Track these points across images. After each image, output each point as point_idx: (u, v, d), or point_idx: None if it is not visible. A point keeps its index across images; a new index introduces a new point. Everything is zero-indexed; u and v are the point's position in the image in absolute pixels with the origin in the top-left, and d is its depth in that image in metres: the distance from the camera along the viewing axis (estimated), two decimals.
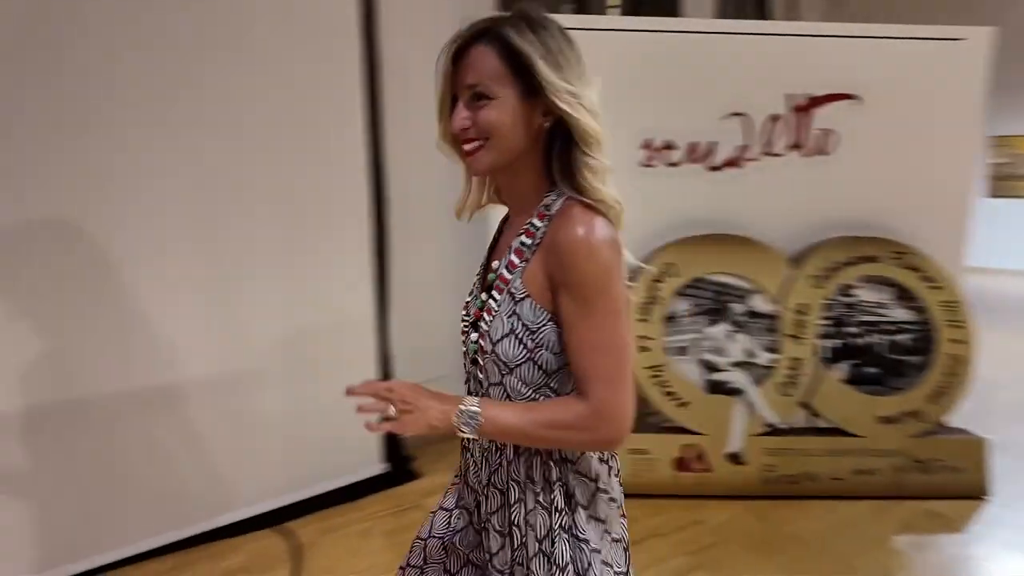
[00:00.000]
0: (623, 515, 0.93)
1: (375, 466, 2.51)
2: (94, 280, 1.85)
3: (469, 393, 0.93)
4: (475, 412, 0.82)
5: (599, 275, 0.78)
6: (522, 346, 0.84)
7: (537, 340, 0.83)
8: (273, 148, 2.12)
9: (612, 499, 0.90)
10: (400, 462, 2.59)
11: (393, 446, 2.57)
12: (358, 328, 2.43)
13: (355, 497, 2.40)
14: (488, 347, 0.86)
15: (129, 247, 1.88)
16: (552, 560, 0.85)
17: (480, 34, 0.81)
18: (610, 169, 0.83)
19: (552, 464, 0.86)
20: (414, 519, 2.29)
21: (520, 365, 0.85)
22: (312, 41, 2.16)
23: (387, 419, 0.85)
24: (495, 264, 0.89)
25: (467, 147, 0.83)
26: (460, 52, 0.82)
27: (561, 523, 0.85)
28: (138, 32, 1.84)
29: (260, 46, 2.07)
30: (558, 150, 0.84)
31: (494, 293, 0.87)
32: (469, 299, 0.94)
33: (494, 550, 0.91)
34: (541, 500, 0.86)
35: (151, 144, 1.89)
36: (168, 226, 1.95)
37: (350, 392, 0.85)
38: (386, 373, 2.52)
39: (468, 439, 0.90)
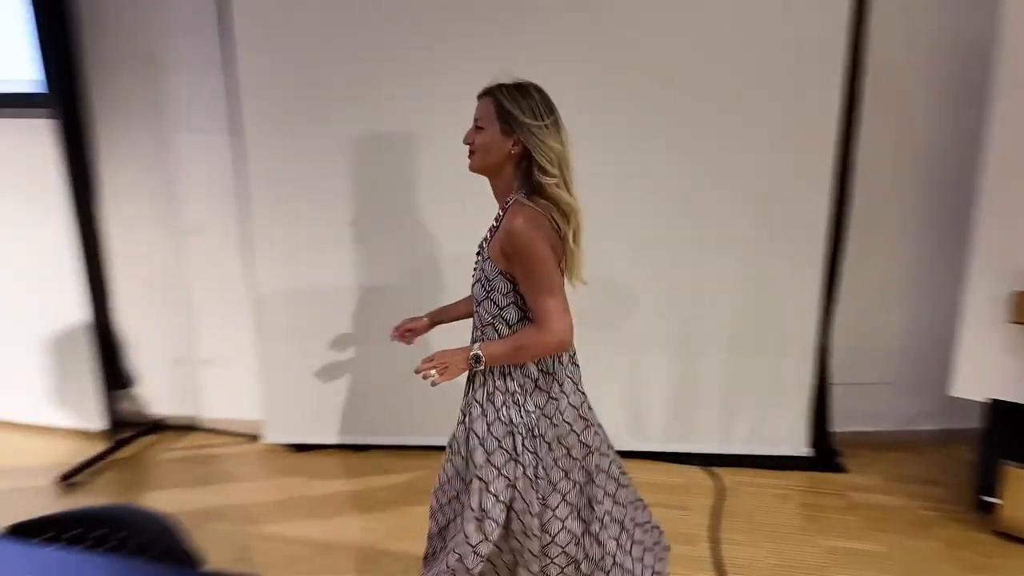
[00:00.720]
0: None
1: (800, 448, 2.70)
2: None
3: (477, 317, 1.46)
4: (478, 354, 1.36)
5: (526, 245, 1.29)
6: (483, 290, 1.40)
7: (492, 286, 1.38)
8: (749, 146, 2.53)
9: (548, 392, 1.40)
10: (826, 452, 2.70)
11: (821, 434, 2.70)
12: (801, 318, 2.63)
13: (778, 468, 2.65)
14: (471, 290, 1.45)
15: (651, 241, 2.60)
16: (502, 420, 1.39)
17: (487, 92, 1.38)
18: (558, 182, 1.33)
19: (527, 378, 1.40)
20: (832, 503, 2.42)
21: (482, 301, 1.40)
22: (798, 46, 2.41)
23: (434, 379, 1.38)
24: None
25: (470, 155, 1.40)
26: (479, 98, 1.39)
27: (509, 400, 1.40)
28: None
29: (751, 56, 2.45)
30: (523, 168, 1.36)
31: (479, 257, 1.45)
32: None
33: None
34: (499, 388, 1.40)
35: (646, 145, 2.55)
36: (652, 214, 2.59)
37: (417, 372, 1.39)
38: (822, 366, 2.66)
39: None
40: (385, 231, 2.73)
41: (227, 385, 3.10)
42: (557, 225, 1.34)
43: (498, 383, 1.40)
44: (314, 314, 2.81)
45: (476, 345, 1.39)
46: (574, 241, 1.37)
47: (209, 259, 2.96)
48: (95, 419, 2.97)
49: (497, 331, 1.40)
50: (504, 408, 1.39)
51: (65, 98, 2.56)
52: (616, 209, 2.49)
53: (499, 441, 1.38)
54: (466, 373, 1.44)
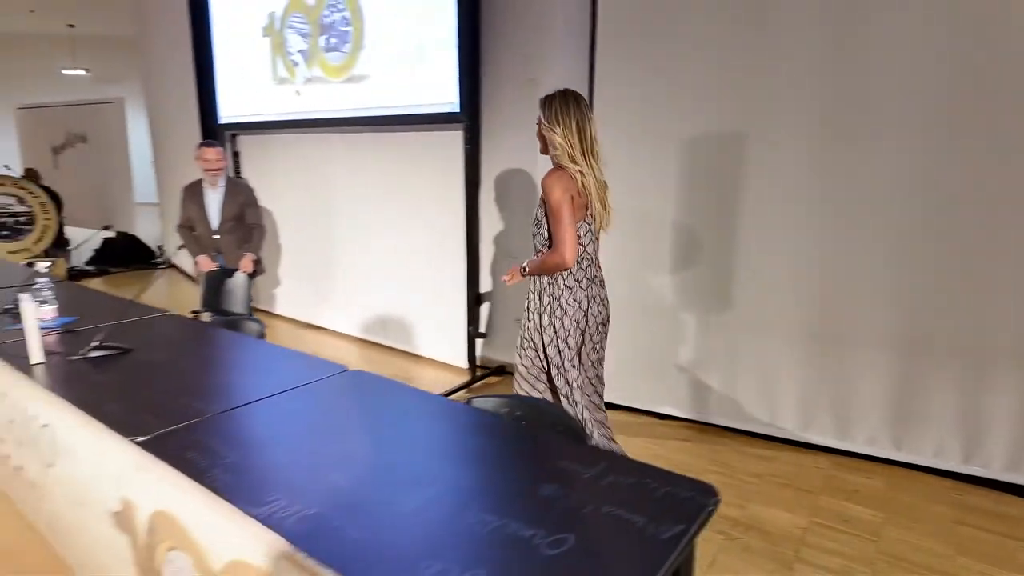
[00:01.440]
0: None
1: None
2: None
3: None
4: (523, 265, 2.18)
5: (547, 191, 2.05)
6: (535, 227, 2.17)
7: (539, 225, 2.15)
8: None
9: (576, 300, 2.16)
10: None
11: None
12: None
13: None
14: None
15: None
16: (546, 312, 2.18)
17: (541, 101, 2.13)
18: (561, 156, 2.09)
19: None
20: None
21: (535, 236, 2.18)
22: None
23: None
24: None
25: None
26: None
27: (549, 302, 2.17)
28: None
29: None
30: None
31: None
32: None
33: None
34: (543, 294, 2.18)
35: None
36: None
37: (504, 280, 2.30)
38: None
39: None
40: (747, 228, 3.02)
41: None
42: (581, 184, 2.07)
43: (543, 289, 2.19)
44: (629, 296, 3.26)
45: (525, 261, 2.20)
46: (588, 195, 2.08)
47: None
48: (463, 358, 3.92)
49: (538, 254, 2.19)
50: (543, 310, 2.20)
51: (471, 116, 3.42)
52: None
53: (545, 330, 2.19)
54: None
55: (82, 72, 16.13)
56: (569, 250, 2.02)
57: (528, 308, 2.26)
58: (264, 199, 5.13)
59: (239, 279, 3.43)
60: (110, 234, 8.00)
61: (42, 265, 2.49)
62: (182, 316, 2.68)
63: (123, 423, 1.56)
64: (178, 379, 2.00)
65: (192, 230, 3.76)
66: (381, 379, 1.95)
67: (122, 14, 13.83)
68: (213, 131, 5.71)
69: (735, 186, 2.91)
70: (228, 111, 5.02)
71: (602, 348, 2.28)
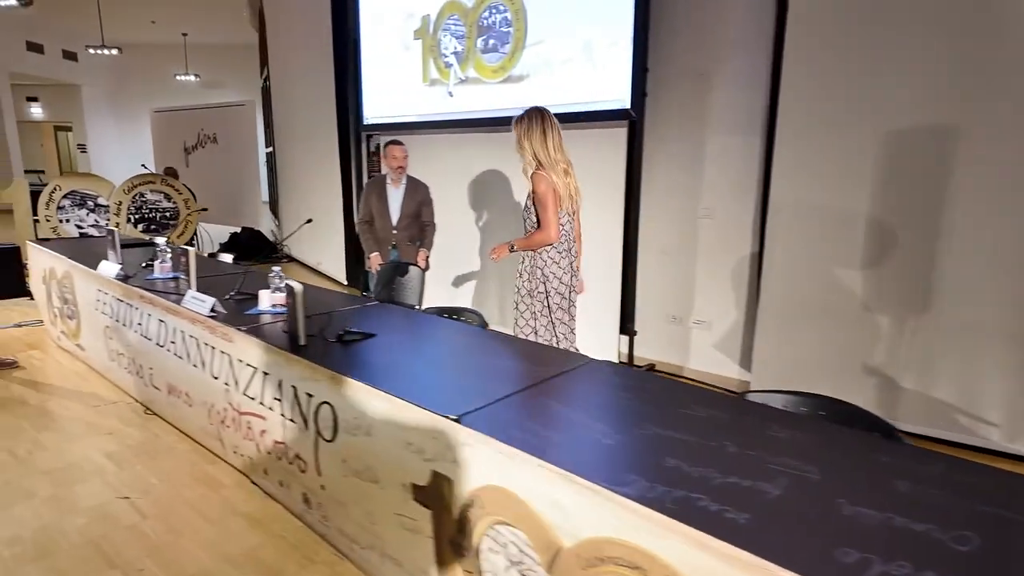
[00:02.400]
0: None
1: None
2: None
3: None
4: (512, 243, 2.83)
5: (536, 188, 2.71)
6: (525, 213, 2.83)
7: (528, 212, 2.80)
8: None
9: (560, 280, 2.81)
10: None
11: None
12: None
13: None
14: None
15: None
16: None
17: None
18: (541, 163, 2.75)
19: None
20: None
21: (525, 220, 2.84)
22: None
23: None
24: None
25: None
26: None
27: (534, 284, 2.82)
28: None
29: None
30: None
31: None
32: None
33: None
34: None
35: None
36: None
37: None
38: None
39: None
40: (906, 229, 2.91)
41: (711, 344, 3.73)
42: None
43: (528, 264, 2.81)
44: (814, 295, 3.18)
45: (513, 239, 2.84)
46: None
47: (716, 240, 3.60)
48: (612, 354, 3.93)
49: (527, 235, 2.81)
50: (532, 277, 2.80)
51: (639, 112, 3.43)
52: None
53: (534, 295, 2.81)
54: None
55: (192, 78, 17.25)
56: (553, 229, 2.71)
57: (520, 278, 2.87)
58: None
59: (414, 273, 3.57)
60: (234, 229, 8.51)
61: (276, 269, 2.69)
62: (393, 305, 2.82)
63: (427, 401, 1.66)
64: (442, 363, 2.10)
65: (370, 225, 3.95)
66: (628, 370, 1.99)
67: (230, 23, 14.73)
68: (356, 132, 5.98)
69: (937, 184, 2.79)
70: (371, 112, 5.23)
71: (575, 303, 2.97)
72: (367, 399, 1.79)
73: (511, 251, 2.83)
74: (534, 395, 1.74)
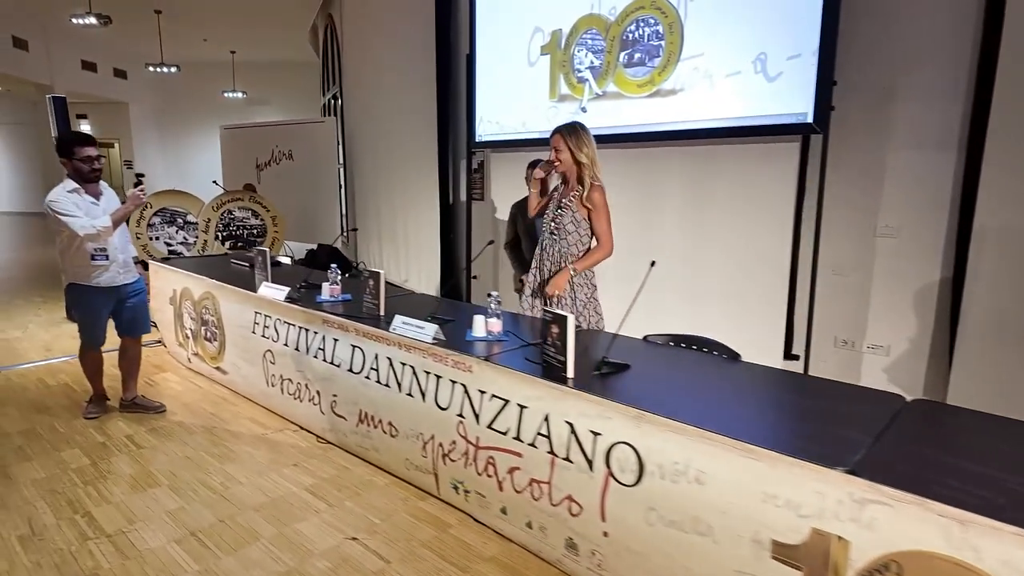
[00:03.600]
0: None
1: None
2: None
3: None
4: (571, 268, 2.81)
5: (602, 201, 2.82)
6: (561, 232, 2.86)
7: (579, 225, 2.84)
8: None
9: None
10: None
11: None
12: None
13: None
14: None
15: None
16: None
17: (556, 130, 2.89)
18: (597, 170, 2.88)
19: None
20: None
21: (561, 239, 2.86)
22: None
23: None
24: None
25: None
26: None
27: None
28: None
29: None
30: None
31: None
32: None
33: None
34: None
35: None
36: None
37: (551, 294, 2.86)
38: None
39: None
40: None
41: (884, 370, 3.53)
42: None
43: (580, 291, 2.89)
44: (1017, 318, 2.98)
45: (570, 264, 2.81)
46: None
47: (898, 261, 3.42)
48: None
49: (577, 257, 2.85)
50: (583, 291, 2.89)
51: (823, 126, 3.28)
52: None
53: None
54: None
55: (240, 95, 17.43)
56: (612, 242, 2.82)
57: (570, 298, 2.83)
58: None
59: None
60: (310, 246, 8.46)
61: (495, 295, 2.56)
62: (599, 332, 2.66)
63: (790, 448, 1.50)
64: (743, 401, 1.95)
65: (516, 247, 3.82)
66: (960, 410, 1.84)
67: (278, 42, 14.88)
68: (455, 149, 5.89)
69: None
70: (485, 129, 5.14)
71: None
72: (693, 443, 1.63)
73: (573, 275, 2.82)
74: (898, 439, 1.58)
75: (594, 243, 2.88)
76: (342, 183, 8.86)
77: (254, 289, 3.47)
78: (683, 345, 2.45)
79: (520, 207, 3.84)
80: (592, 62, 4.28)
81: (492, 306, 2.48)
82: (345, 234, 8.50)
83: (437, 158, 6.00)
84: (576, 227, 2.81)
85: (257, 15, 12.55)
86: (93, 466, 2.78)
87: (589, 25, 4.26)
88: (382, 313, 2.84)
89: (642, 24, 3.96)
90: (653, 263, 2.28)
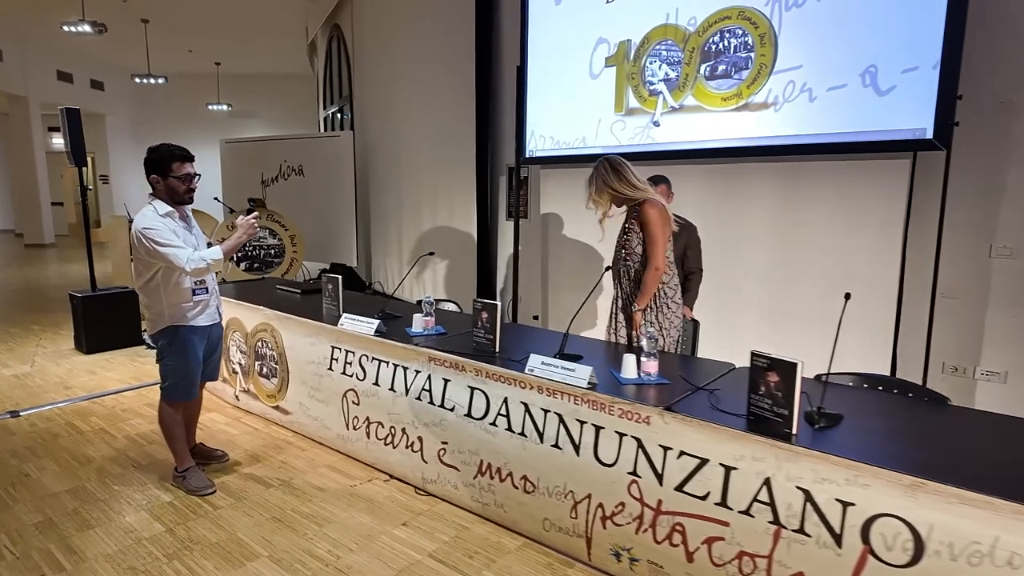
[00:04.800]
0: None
1: None
2: None
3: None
4: (636, 308, 2.79)
5: (652, 219, 2.79)
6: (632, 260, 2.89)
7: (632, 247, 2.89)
8: None
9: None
10: None
11: None
12: None
13: None
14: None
15: None
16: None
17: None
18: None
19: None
20: None
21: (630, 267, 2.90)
22: None
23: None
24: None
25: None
26: None
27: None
28: None
29: None
30: None
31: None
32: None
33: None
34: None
35: None
36: None
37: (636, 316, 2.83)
38: None
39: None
40: None
41: (1002, 399, 3.35)
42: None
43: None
44: None
45: (635, 304, 2.81)
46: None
47: (1018, 283, 3.25)
48: None
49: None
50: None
51: (946, 143, 3.11)
52: None
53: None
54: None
55: (224, 107, 16.88)
56: (660, 259, 2.73)
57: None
58: (574, 232, 4.92)
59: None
60: (322, 266, 8.05)
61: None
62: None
63: None
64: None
65: None
66: None
67: (265, 53, 14.44)
68: (494, 165, 5.61)
69: None
70: (536, 144, 4.88)
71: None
72: (1000, 519, 1.37)
73: (642, 312, 2.80)
74: None
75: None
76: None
77: (323, 319, 3.13)
78: (878, 388, 2.20)
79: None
80: (667, 74, 4.06)
81: (645, 344, 2.20)
82: (358, 255, 8.06)
83: (475, 174, 5.72)
84: (641, 247, 2.83)
85: (244, 26, 12.15)
86: (170, 533, 2.38)
87: (664, 36, 4.05)
88: (497, 349, 2.54)
89: (727, 35, 3.76)
90: (848, 295, 2.02)
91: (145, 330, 3.54)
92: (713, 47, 3.83)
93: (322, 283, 3.37)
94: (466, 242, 6.01)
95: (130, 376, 4.41)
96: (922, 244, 3.42)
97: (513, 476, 2.33)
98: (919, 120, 3.16)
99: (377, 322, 2.87)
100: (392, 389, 2.76)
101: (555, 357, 2.32)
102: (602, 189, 2.89)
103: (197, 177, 2.66)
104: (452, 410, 2.52)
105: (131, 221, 7.10)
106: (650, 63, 4.14)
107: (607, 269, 2.89)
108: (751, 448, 1.73)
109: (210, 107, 16.58)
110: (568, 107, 4.63)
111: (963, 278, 3.38)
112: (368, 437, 2.91)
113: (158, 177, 2.59)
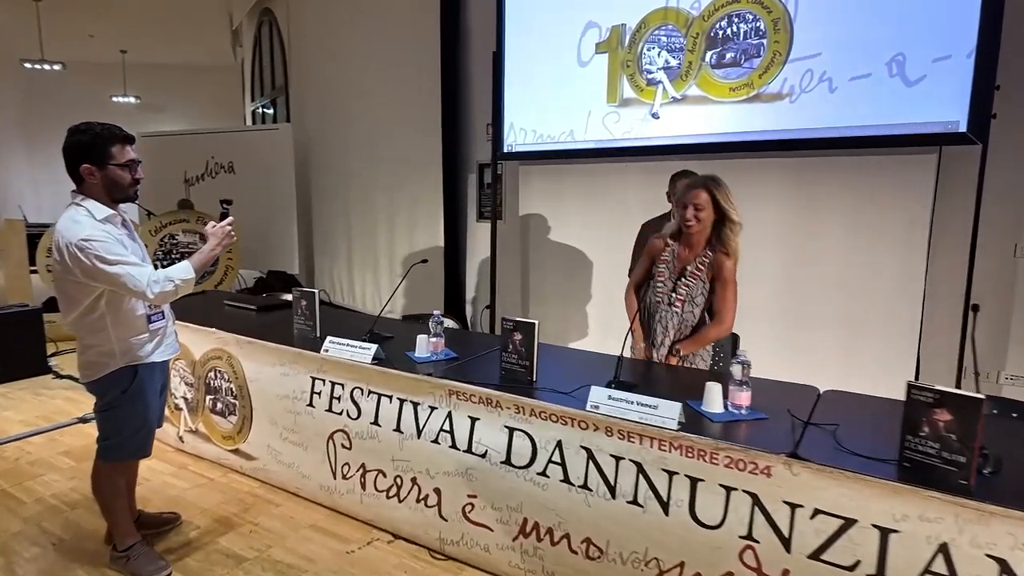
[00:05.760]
0: None
1: None
2: None
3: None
4: (676, 348, 2.38)
5: (729, 270, 2.36)
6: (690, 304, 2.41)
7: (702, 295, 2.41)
8: None
9: None
10: None
11: None
12: None
13: None
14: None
15: None
16: None
17: (696, 184, 2.40)
18: None
19: None
20: None
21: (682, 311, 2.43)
22: None
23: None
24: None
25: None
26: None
27: None
28: None
29: None
30: None
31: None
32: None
33: None
34: None
35: None
36: None
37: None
38: None
39: None
40: None
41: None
42: None
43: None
44: None
45: (674, 345, 2.41)
46: None
47: None
48: None
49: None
50: None
51: (982, 137, 2.93)
52: None
53: None
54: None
55: (132, 99, 15.34)
56: (732, 319, 2.35)
57: None
58: (559, 235, 4.49)
59: None
60: (257, 274, 7.25)
61: None
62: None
63: None
64: None
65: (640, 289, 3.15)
66: None
67: (174, 42, 13.20)
68: (475, 162, 5.12)
69: None
70: (515, 138, 4.44)
71: None
72: None
73: (678, 357, 2.41)
74: None
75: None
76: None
77: (296, 343, 2.57)
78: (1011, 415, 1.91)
79: (648, 235, 3.18)
80: (668, 62, 3.73)
81: (736, 370, 1.81)
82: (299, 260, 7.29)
83: (442, 171, 5.21)
84: (704, 298, 2.39)
85: (154, 11, 10.98)
86: None
87: (663, 20, 3.72)
88: (534, 378, 2.09)
89: (736, 20, 3.47)
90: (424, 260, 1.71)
91: (77, 377, 2.54)
92: (720, 33, 3.53)
93: (293, 299, 2.80)
94: (431, 246, 5.48)
95: (36, 416, 3.60)
96: (948, 245, 3.26)
97: (571, 538, 1.88)
98: (951, 112, 2.98)
99: (374, 347, 2.34)
100: (398, 430, 2.24)
101: (610, 386, 1.90)
102: (732, 209, 2.37)
103: (139, 164, 2.03)
104: (484, 456, 2.04)
105: (30, 226, 5.96)
106: (648, 50, 3.80)
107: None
108: (919, 506, 1.37)
109: (115, 99, 15.02)
110: (553, 98, 4.22)
111: (985, 280, 3.24)
112: (364, 488, 2.37)
113: (93, 167, 1.90)
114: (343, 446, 2.42)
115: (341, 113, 6.52)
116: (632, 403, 1.76)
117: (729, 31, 3.51)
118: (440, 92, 5.06)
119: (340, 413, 2.41)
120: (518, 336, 2.11)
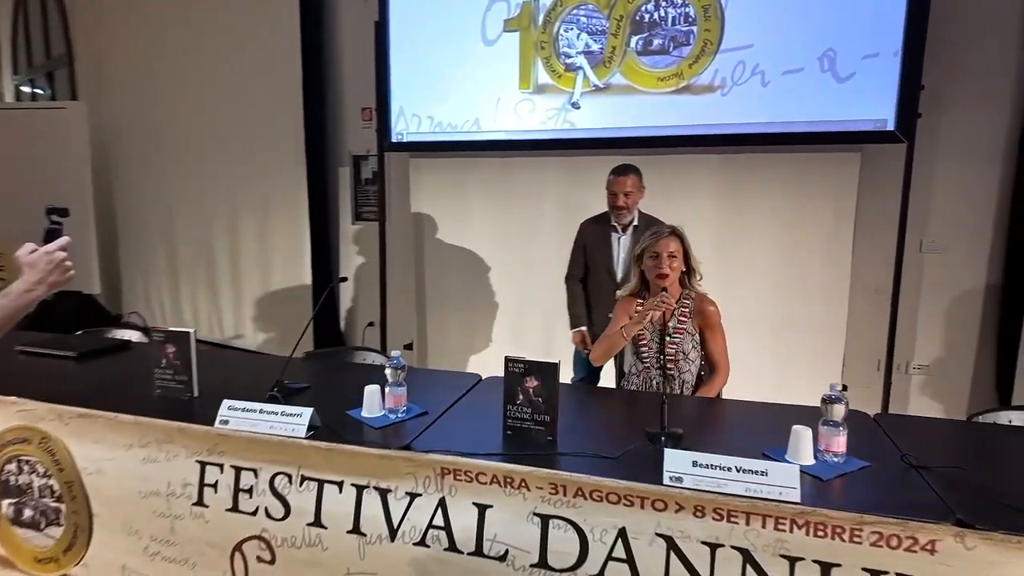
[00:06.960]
0: None
1: None
2: None
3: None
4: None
5: (716, 315, 2.16)
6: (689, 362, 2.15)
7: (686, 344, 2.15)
8: None
9: None
10: None
11: None
12: None
13: None
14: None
15: None
16: None
17: (668, 233, 2.10)
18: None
19: None
20: None
21: (687, 369, 2.17)
22: None
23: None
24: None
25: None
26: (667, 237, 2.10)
27: None
28: None
29: None
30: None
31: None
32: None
33: None
34: None
35: None
36: None
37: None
38: None
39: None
40: None
41: (932, 390, 3.42)
42: None
43: None
44: None
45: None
46: None
47: (944, 277, 3.31)
48: None
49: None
50: None
51: (908, 135, 2.96)
52: None
53: None
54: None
55: None
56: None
57: None
58: (458, 237, 3.89)
59: None
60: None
61: None
62: None
63: None
64: None
65: (582, 283, 2.70)
66: None
67: None
68: (348, 154, 4.30)
69: None
70: (407, 126, 3.77)
71: None
72: None
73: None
74: None
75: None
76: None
77: (164, 413, 1.73)
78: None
79: (588, 228, 2.75)
80: (588, 45, 3.37)
81: (835, 412, 1.45)
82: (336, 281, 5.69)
83: (305, 165, 4.32)
84: (696, 351, 2.18)
85: None
86: None
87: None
88: (555, 438, 1.55)
89: (664, 4, 3.21)
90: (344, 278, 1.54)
91: None
92: (647, 16, 3.25)
93: (152, 344, 1.91)
94: (292, 252, 4.56)
95: None
96: (868, 241, 3.32)
97: None
98: (880, 110, 3.00)
99: (308, 411, 1.61)
100: (357, 531, 1.55)
101: (659, 444, 1.45)
102: (693, 256, 2.14)
103: None
104: (504, 559, 1.45)
105: None
106: (565, 31, 3.40)
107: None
108: None
109: None
110: (454, 80, 3.64)
111: (893, 273, 3.36)
112: None
113: None
114: (260, 559, 1.64)
115: (160, 91, 5.19)
116: (730, 469, 1.31)
117: (656, 15, 3.24)
118: (301, 69, 4.19)
119: (254, 512, 1.63)
120: (532, 383, 1.56)
